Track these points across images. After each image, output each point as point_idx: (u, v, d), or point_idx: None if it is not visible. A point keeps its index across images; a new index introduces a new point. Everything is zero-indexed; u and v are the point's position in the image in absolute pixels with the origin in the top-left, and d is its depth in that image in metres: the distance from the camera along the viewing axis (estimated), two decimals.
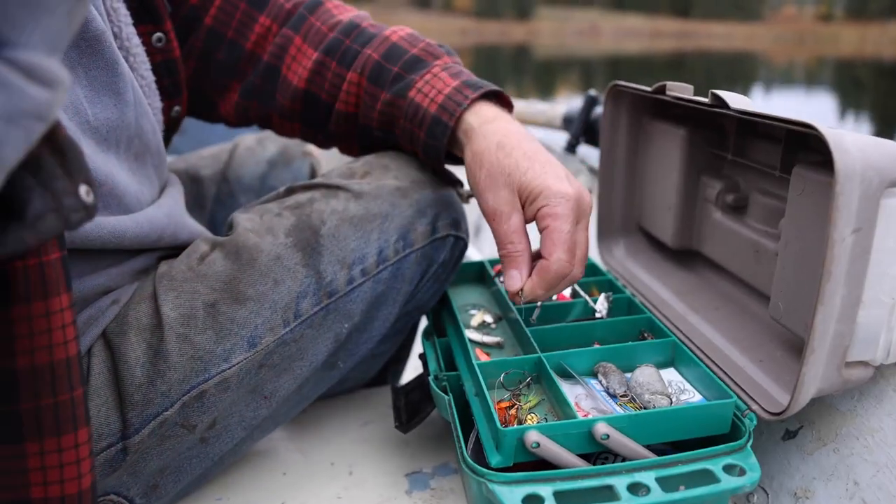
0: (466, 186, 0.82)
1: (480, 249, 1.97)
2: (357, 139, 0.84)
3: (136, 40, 0.70)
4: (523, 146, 0.69)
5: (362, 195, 0.72)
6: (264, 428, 0.74)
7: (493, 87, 0.75)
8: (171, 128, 0.81)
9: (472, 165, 0.71)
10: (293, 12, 0.83)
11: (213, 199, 1.00)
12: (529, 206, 0.67)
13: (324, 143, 0.90)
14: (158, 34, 0.73)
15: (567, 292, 0.83)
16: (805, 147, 0.69)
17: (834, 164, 0.51)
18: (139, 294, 0.66)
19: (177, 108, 0.80)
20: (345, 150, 0.89)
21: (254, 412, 0.69)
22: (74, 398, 0.47)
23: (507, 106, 0.77)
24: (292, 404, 0.74)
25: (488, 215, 0.69)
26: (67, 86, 0.32)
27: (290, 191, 0.75)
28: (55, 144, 0.36)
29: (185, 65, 0.81)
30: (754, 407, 0.61)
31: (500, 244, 0.69)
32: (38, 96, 0.30)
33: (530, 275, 0.67)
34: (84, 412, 0.48)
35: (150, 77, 0.73)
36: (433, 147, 0.74)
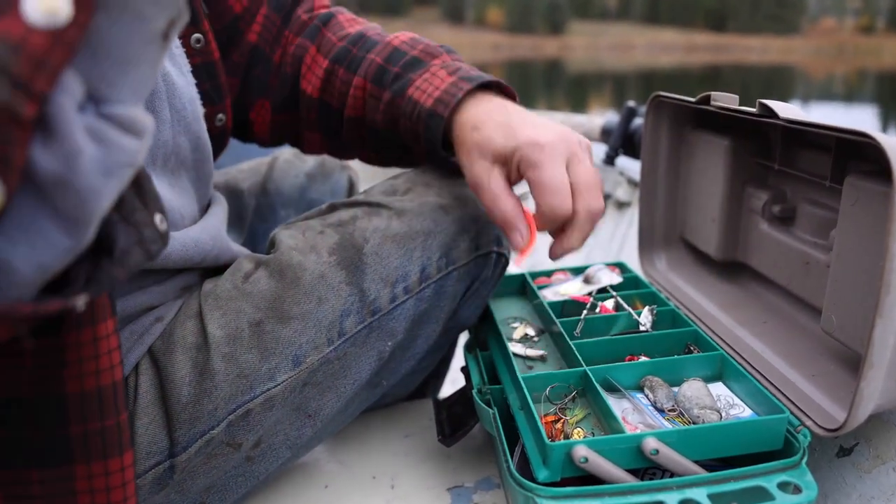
0: None
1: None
2: (368, 144, 0.86)
3: (177, 41, 0.70)
4: (494, 119, 0.69)
5: (404, 213, 0.72)
6: (309, 447, 0.74)
7: (490, 77, 0.75)
8: (217, 140, 0.80)
9: (457, 154, 0.73)
10: (308, 23, 0.86)
11: (253, 213, 1.02)
12: (513, 168, 0.68)
13: (344, 154, 0.91)
14: (197, 35, 0.73)
15: (610, 304, 0.82)
16: (856, 156, 0.67)
17: (893, 173, 0.49)
18: (185, 312, 0.67)
19: (220, 115, 0.79)
20: (364, 158, 0.90)
21: (298, 431, 0.69)
22: (120, 423, 0.48)
23: (510, 95, 0.77)
24: (336, 424, 0.75)
25: (472, 189, 0.70)
26: (152, 130, 0.33)
27: (332, 207, 0.76)
28: (133, 177, 0.37)
29: (228, 81, 0.82)
30: (808, 423, 0.59)
31: (489, 212, 0.69)
32: (131, 147, 0.32)
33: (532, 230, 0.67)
34: (129, 436, 0.50)
35: (192, 80, 0.72)
36: (430, 141, 0.75)
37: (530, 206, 0.69)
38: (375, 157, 0.89)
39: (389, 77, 0.79)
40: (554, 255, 0.70)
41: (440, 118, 0.73)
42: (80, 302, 0.33)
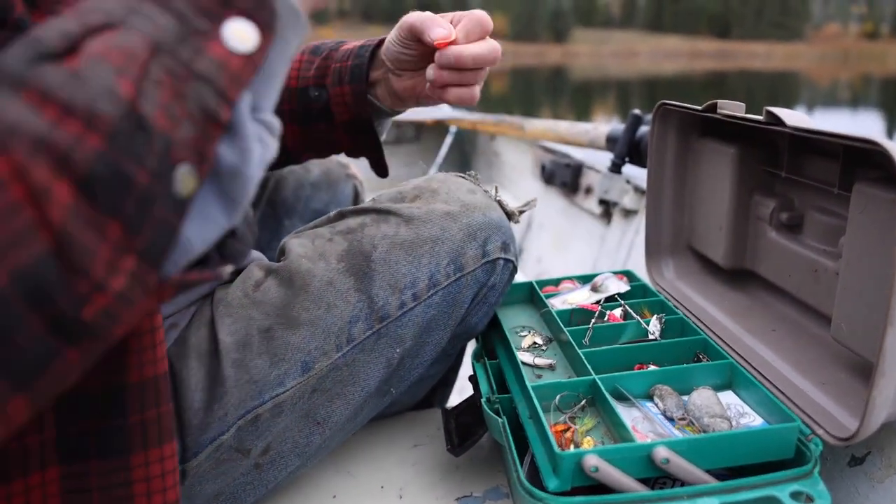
0: (504, 201, 0.82)
1: (523, 269, 1.96)
2: (296, 115, 0.87)
3: None
4: None
5: (413, 220, 0.73)
6: (318, 456, 0.74)
7: None
8: None
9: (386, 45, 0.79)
10: None
11: (258, 223, 1.02)
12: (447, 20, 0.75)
13: None
14: None
15: (618, 313, 0.82)
16: (864, 163, 0.67)
17: None
18: (198, 319, 0.67)
19: None
20: (288, 139, 0.89)
21: (307, 438, 0.69)
22: (170, 409, 0.51)
23: None
24: (345, 432, 0.75)
25: (410, 26, 0.75)
26: (280, 133, 0.41)
27: (341, 215, 0.76)
28: None
29: None
30: (819, 431, 0.59)
31: (422, 30, 0.73)
32: (273, 145, 0.39)
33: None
34: (175, 423, 0.53)
35: None
36: (357, 67, 0.80)
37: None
38: (299, 133, 0.88)
39: (326, 47, 0.86)
40: (462, 53, 0.72)
41: (369, 46, 0.81)
42: (227, 272, 0.40)
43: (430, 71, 0.74)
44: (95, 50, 0.32)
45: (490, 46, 0.74)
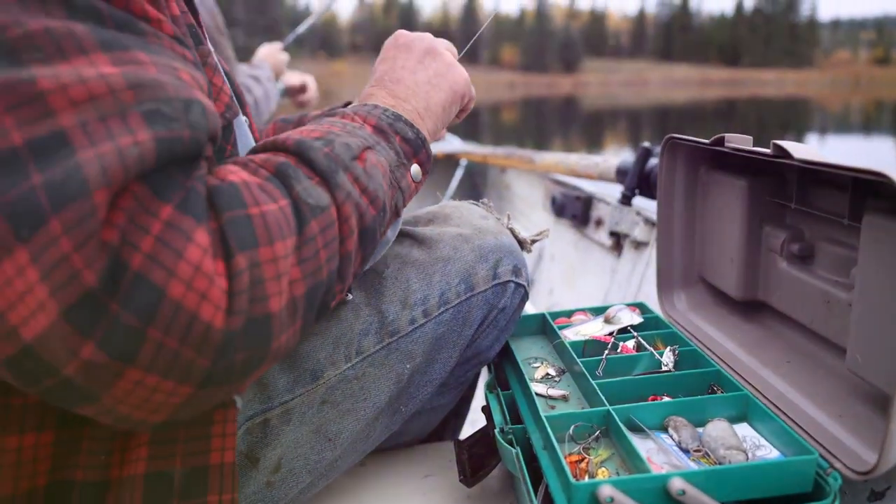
0: (516, 229, 0.83)
1: (534, 302, 1.96)
2: None
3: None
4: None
5: (425, 241, 0.76)
6: (329, 475, 0.74)
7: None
8: None
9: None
10: None
11: None
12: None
13: None
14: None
15: (631, 345, 0.82)
16: (873, 194, 0.68)
17: None
18: None
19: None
20: None
21: (318, 455, 0.70)
22: None
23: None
24: (357, 452, 0.75)
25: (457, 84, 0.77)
26: None
27: None
28: None
29: None
30: (837, 465, 0.59)
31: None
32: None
33: None
34: None
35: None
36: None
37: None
38: None
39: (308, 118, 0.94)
40: None
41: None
42: (350, 297, 0.70)
43: None
44: (371, 161, 0.58)
45: None
